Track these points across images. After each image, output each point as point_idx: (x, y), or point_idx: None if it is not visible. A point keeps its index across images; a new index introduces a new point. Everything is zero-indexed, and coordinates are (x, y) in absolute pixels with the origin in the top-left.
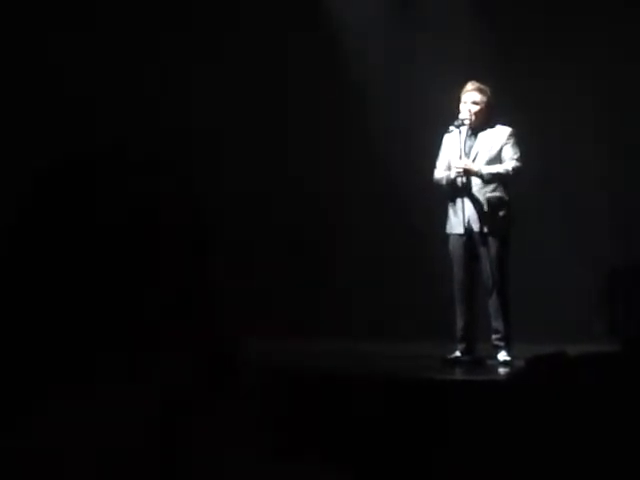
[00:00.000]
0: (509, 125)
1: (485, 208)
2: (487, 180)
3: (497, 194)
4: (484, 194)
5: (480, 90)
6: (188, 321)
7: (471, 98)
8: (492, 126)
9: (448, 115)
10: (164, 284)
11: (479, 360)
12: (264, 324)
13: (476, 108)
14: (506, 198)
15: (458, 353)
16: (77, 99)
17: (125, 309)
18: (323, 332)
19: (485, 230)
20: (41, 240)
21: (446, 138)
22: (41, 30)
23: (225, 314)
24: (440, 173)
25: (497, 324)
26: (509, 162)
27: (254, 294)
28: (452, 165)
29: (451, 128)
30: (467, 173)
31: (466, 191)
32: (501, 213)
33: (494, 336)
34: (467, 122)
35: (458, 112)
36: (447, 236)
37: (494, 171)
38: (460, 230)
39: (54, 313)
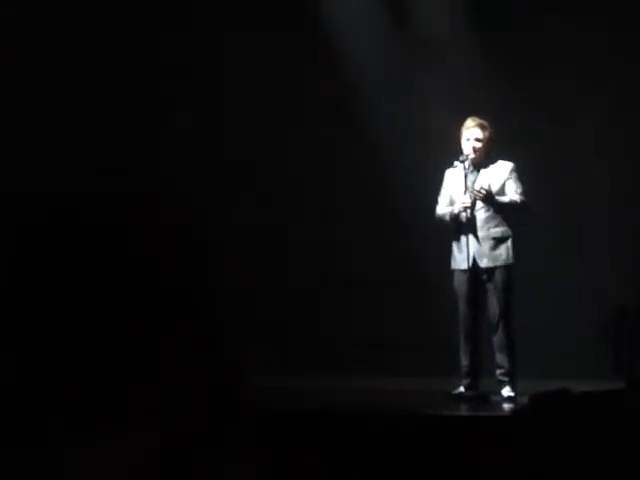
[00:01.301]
0: (510, 159)
1: (489, 243)
2: (497, 209)
3: (501, 229)
4: (488, 229)
5: (481, 126)
6: (192, 356)
7: (474, 135)
8: (494, 161)
9: (450, 149)
10: (169, 320)
11: (483, 395)
12: (267, 361)
13: (479, 145)
14: (509, 233)
15: (462, 388)
16: (78, 119)
17: (127, 343)
18: (328, 368)
19: (489, 265)
20: (39, 271)
21: (448, 174)
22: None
23: (228, 351)
24: (442, 209)
25: (501, 359)
26: (514, 195)
27: (257, 331)
28: (456, 200)
29: (455, 164)
30: (487, 198)
31: (470, 227)
32: (505, 248)
33: (498, 371)
34: (471, 157)
35: (460, 148)
36: (452, 272)
37: (506, 200)
38: (464, 266)
39: (52, 345)
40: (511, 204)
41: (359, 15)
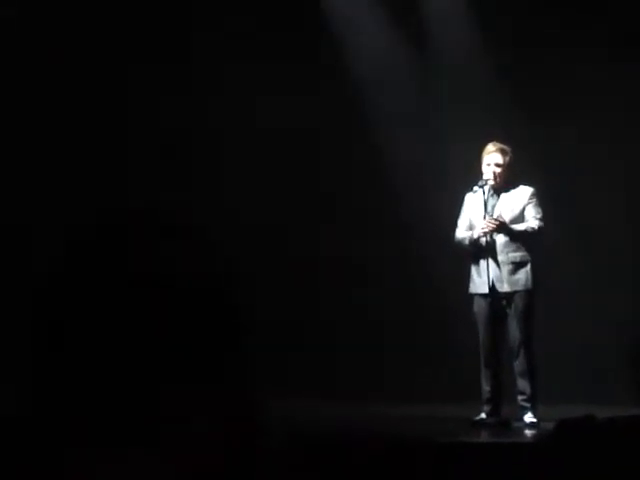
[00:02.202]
0: (531, 184)
1: (508, 268)
2: (513, 237)
3: (520, 254)
4: (507, 254)
5: (502, 151)
6: (212, 386)
7: (494, 159)
8: (514, 186)
9: (469, 174)
10: (190, 349)
11: (505, 422)
12: (288, 388)
13: (499, 170)
14: (529, 258)
15: (484, 415)
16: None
17: (150, 374)
18: (348, 394)
19: (508, 290)
20: (69, 305)
21: (468, 197)
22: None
23: (250, 378)
24: (462, 233)
25: (523, 385)
26: (532, 221)
27: (282, 357)
28: (475, 225)
29: (475, 188)
30: (500, 228)
31: (489, 251)
32: (524, 273)
33: (520, 397)
34: (491, 183)
35: (481, 172)
36: (471, 296)
37: (522, 228)
38: (484, 290)
39: (81, 378)
40: (527, 232)
41: (376, 42)
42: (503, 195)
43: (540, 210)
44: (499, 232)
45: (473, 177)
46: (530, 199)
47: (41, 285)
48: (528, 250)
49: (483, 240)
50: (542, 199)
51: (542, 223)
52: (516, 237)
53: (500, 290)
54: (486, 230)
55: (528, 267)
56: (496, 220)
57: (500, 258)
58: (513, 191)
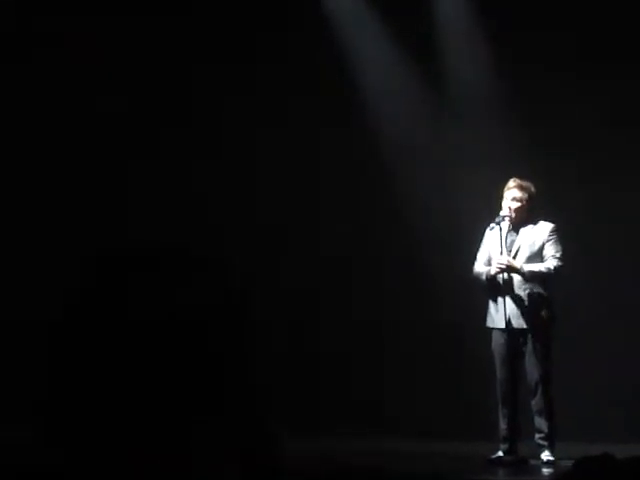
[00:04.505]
0: (551, 221)
1: (526, 304)
2: (528, 278)
3: (538, 291)
4: (524, 290)
5: (521, 187)
6: (223, 418)
7: (511, 195)
8: (534, 222)
9: (491, 207)
10: (206, 385)
11: (522, 460)
12: (304, 423)
13: (516, 205)
14: (546, 295)
15: (501, 453)
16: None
17: (164, 406)
18: (365, 432)
19: (525, 327)
20: (82, 336)
21: (488, 232)
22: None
23: (264, 412)
24: (480, 267)
25: (540, 423)
26: (551, 260)
27: (297, 393)
28: (493, 260)
29: (492, 225)
30: (508, 270)
31: (507, 287)
32: (542, 310)
33: (537, 435)
34: (507, 219)
35: (500, 208)
36: (489, 330)
37: (536, 269)
38: (501, 325)
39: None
40: (542, 272)
41: (389, 74)
42: (522, 231)
43: (560, 248)
44: (509, 273)
45: (493, 210)
46: (550, 236)
47: (75, 330)
48: (546, 286)
49: (500, 277)
50: (563, 236)
51: (560, 262)
52: (529, 278)
53: (517, 326)
54: (504, 267)
55: (546, 304)
56: (502, 263)
57: (518, 294)
58: (533, 227)
